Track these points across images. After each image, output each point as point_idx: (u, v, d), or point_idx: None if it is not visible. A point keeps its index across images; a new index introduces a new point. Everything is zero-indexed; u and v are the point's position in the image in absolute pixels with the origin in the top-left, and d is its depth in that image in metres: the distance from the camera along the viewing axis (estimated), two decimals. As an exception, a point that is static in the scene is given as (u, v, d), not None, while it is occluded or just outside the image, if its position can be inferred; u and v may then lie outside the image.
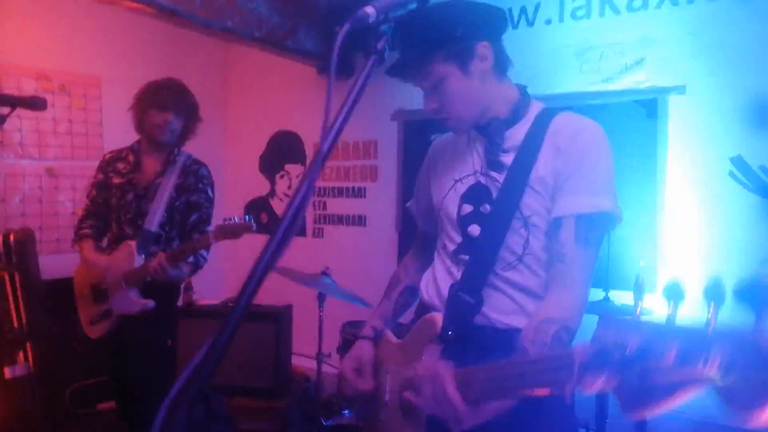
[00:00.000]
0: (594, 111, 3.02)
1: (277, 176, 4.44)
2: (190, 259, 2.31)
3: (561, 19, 3.17)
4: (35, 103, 1.74)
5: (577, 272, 1.13)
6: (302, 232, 4.26)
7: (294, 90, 4.32)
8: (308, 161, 4.27)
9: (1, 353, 2.67)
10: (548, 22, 3.20)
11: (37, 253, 3.05)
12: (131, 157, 2.45)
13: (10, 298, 2.75)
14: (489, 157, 1.26)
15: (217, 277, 4.36)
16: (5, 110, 1.70)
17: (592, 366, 0.69)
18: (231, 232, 2.12)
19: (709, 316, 0.60)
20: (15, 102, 1.71)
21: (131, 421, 2.46)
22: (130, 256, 2.29)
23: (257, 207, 4.53)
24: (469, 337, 1.19)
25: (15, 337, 2.73)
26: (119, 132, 2.72)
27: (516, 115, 1.26)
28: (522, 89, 1.30)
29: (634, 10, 2.96)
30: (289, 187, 4.38)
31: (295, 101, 4.33)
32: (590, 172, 1.16)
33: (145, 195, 2.37)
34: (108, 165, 2.47)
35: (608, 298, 2.59)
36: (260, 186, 4.52)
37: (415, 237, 1.60)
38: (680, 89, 2.81)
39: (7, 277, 2.76)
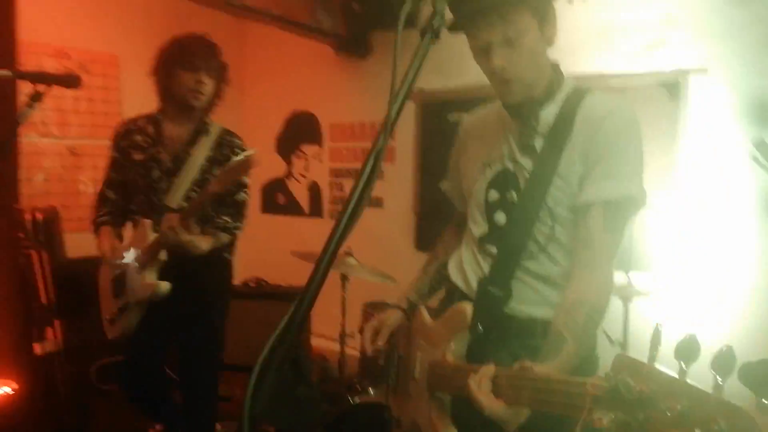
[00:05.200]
0: (615, 93, 3.00)
1: (294, 157, 4.45)
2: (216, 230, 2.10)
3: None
4: (70, 81, 1.71)
5: (603, 257, 1.15)
6: (319, 213, 4.29)
7: (311, 69, 4.30)
8: (324, 142, 4.28)
9: (31, 330, 2.74)
10: None
11: (61, 231, 3.11)
12: (150, 129, 2.17)
13: (38, 276, 2.81)
14: (522, 141, 1.24)
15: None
16: (41, 88, 1.67)
17: (603, 402, 0.70)
18: (233, 171, 1.89)
19: (720, 383, 0.60)
20: (50, 80, 1.69)
21: (147, 403, 2.34)
22: (144, 235, 2.06)
23: (274, 188, 4.55)
24: (499, 328, 1.21)
25: (44, 314, 2.79)
26: (139, 110, 2.72)
27: (549, 93, 1.23)
28: (555, 65, 1.27)
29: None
30: (306, 168, 4.40)
31: (313, 81, 4.32)
32: (619, 157, 1.15)
33: (175, 169, 2.12)
34: (123, 139, 2.19)
35: (630, 281, 2.59)
36: (277, 167, 4.53)
37: (454, 215, 1.59)
38: (702, 70, 2.79)
39: (34, 255, 2.82)
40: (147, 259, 2.04)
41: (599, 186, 1.15)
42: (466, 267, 1.33)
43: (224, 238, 2.15)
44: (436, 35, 0.91)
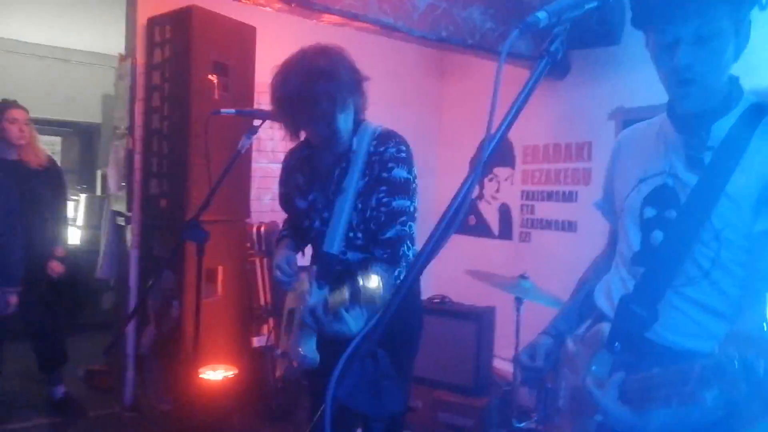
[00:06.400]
0: None
1: (486, 179, 4.52)
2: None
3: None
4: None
5: None
6: (509, 236, 4.27)
7: (506, 93, 4.31)
8: (516, 164, 4.26)
9: (251, 325, 3.24)
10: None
11: (280, 243, 3.63)
12: (306, 167, 1.84)
13: (259, 280, 3.32)
14: (689, 154, 1.14)
15: (425, 275, 4.60)
16: (258, 122, 2.04)
17: (707, 380, 0.69)
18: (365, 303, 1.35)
19: None
20: (263, 115, 2.04)
21: None
22: (304, 291, 1.70)
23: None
24: (641, 352, 1.12)
25: (261, 313, 3.29)
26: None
27: (726, 107, 1.13)
28: (734, 79, 1.15)
29: None
30: (497, 191, 4.42)
31: (508, 104, 4.34)
32: None
33: (331, 218, 1.74)
34: (289, 176, 1.91)
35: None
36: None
37: (608, 234, 1.52)
38: None
39: (257, 262, 3.34)
40: (304, 324, 1.62)
41: None
42: (612, 288, 1.26)
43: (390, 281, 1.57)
44: (553, 60, 0.90)
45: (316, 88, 1.58)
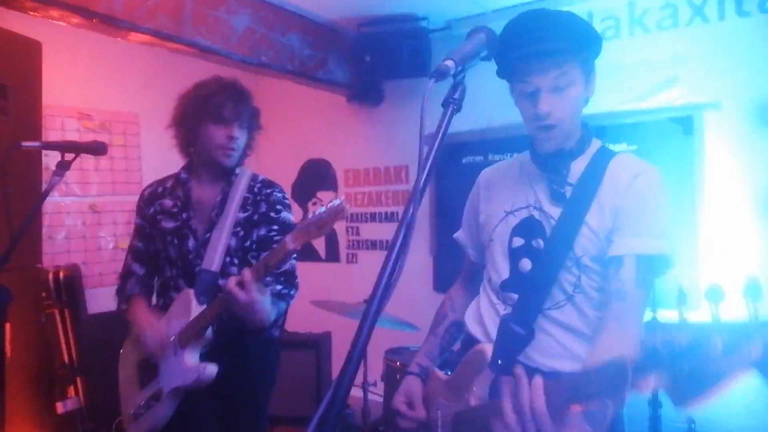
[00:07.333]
0: (628, 129, 3.01)
1: (309, 203, 4.50)
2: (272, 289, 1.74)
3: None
4: (97, 149, 1.78)
5: (635, 311, 1.15)
6: (336, 258, 4.30)
7: (324, 118, 4.40)
8: (339, 187, 4.33)
9: (53, 389, 2.74)
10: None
11: (83, 287, 3.14)
12: (179, 191, 1.88)
13: (60, 335, 2.83)
14: (553, 188, 1.26)
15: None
16: (69, 156, 1.73)
17: (644, 367, 0.73)
18: (316, 227, 1.42)
19: (750, 313, 0.68)
20: (78, 149, 1.75)
21: None
22: (186, 307, 1.72)
23: (290, 234, 4.59)
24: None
25: (66, 373, 2.80)
26: (158, 166, 2.76)
27: (580, 148, 1.27)
28: (585, 123, 1.31)
29: (664, 29, 2.96)
30: (322, 214, 4.44)
31: (325, 129, 4.40)
32: (651, 214, 1.18)
33: (210, 239, 1.81)
34: (149, 205, 1.91)
35: (656, 318, 2.56)
36: (294, 214, 4.58)
37: (462, 268, 1.59)
38: (716, 105, 2.79)
39: (56, 314, 2.85)
40: (190, 336, 1.67)
41: (632, 240, 1.16)
42: (485, 315, 1.32)
43: (281, 308, 1.82)
44: (458, 108, 0.96)
45: (227, 96, 1.80)
